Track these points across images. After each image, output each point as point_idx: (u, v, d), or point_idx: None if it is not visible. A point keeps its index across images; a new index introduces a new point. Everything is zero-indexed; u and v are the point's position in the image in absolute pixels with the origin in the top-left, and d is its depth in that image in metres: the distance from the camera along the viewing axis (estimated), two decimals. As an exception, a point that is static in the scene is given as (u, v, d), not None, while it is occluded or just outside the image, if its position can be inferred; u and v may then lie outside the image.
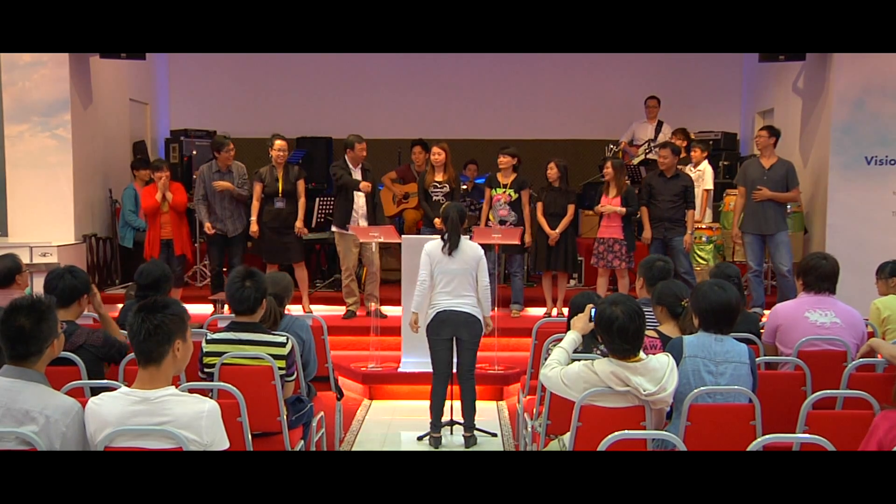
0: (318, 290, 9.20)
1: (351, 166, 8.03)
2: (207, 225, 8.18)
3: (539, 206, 8.27)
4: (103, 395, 2.91)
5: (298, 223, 8.04)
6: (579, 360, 3.68)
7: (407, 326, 7.03)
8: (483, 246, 5.96)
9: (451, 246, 5.72)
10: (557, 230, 8.15)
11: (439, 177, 8.22)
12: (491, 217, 8.19)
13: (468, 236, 6.20)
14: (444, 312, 5.67)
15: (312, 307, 8.46)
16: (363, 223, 7.93)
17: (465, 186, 9.18)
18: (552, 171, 8.19)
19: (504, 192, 8.13)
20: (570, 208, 8.21)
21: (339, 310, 8.46)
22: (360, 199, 8.00)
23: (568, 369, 3.61)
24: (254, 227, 8.07)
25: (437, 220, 7.78)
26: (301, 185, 8.11)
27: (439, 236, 5.84)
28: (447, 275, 5.71)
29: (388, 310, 8.12)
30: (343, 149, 8.09)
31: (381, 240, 7.35)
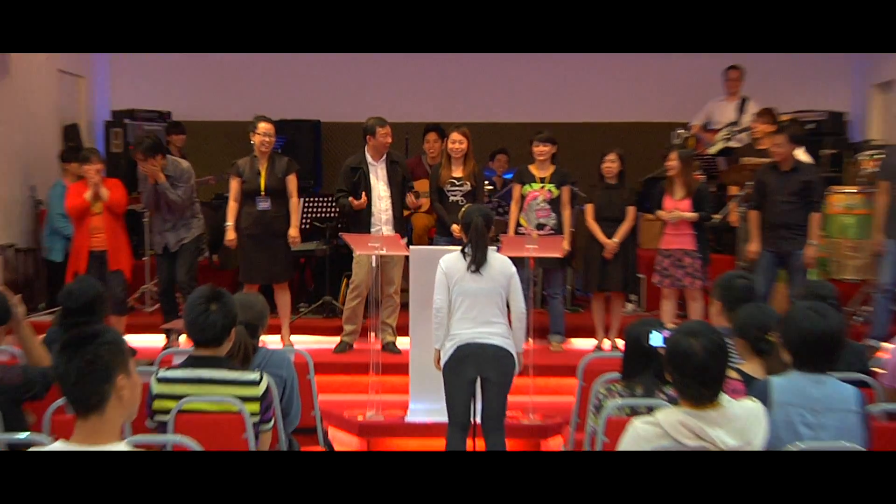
0: (301, 317, 9.27)
1: (370, 159, 8.14)
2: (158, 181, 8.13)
3: (588, 208, 8.32)
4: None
5: (292, 230, 8.17)
6: (637, 410, 3.66)
7: (416, 364, 7.10)
8: (514, 260, 6.00)
9: (478, 261, 5.76)
10: (616, 238, 8.15)
11: (458, 171, 8.24)
12: (523, 221, 8.26)
13: (496, 247, 6.26)
14: (466, 346, 5.68)
15: (295, 338, 8.55)
16: (387, 231, 8.05)
17: (490, 185, 9.30)
18: (612, 165, 8.23)
19: (541, 188, 8.22)
20: (630, 211, 8.24)
21: (329, 341, 8.50)
22: (381, 202, 8.14)
23: (621, 443, 3.54)
24: (230, 235, 8.17)
25: (454, 227, 7.86)
26: (292, 180, 8.23)
27: (459, 247, 5.90)
28: (470, 296, 5.74)
29: (399, 342, 8.24)
30: (363, 137, 8.18)
31: (384, 252, 7.36)
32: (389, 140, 8.15)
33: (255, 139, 8.15)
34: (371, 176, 8.15)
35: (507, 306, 5.86)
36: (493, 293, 5.75)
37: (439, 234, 8.41)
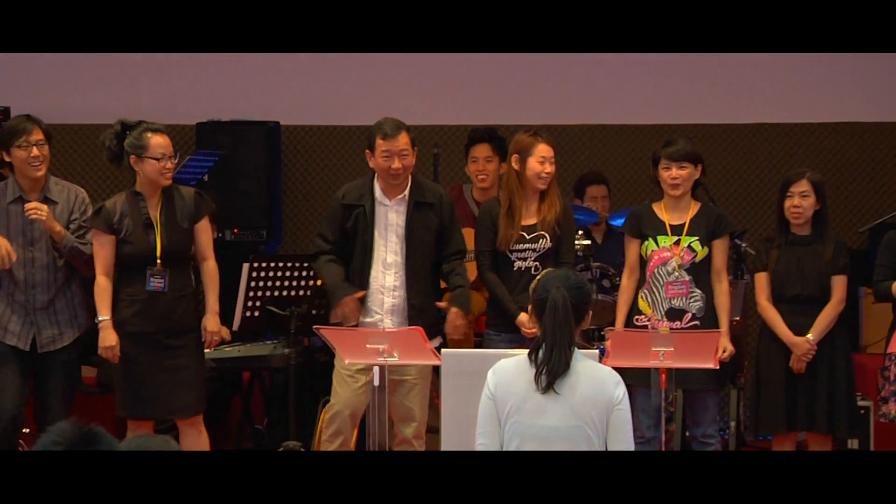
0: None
1: (379, 194, 8.20)
2: None
3: (760, 280, 8.38)
4: None
5: (209, 319, 8.24)
6: None
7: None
8: (632, 375, 6.54)
9: (553, 370, 5.71)
10: (812, 334, 8.16)
11: (531, 215, 8.30)
12: (644, 306, 8.29)
13: (597, 350, 6.81)
14: None
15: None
16: (391, 322, 8.10)
17: (585, 240, 9.39)
18: (804, 203, 8.24)
19: (676, 244, 8.24)
20: (839, 285, 8.26)
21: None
22: (388, 274, 8.22)
23: None
24: (110, 339, 8.12)
25: (522, 317, 7.96)
26: (204, 230, 8.35)
27: (524, 350, 5.94)
28: (532, 440, 5.78)
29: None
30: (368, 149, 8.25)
31: (394, 360, 7.30)
32: (397, 166, 8.03)
33: (147, 168, 8.09)
34: (376, 224, 8.14)
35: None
36: (574, 435, 5.74)
37: (493, 326, 8.48)
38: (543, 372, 5.67)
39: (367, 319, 8.10)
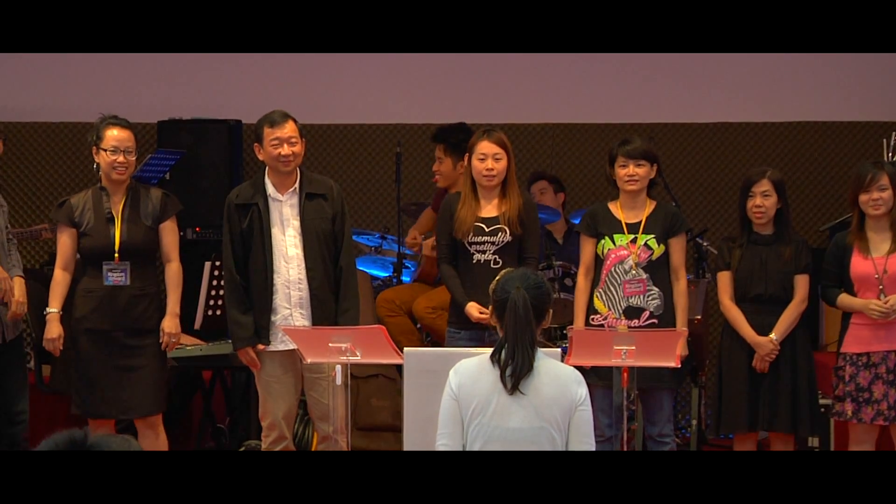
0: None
1: (271, 189, 8.13)
2: None
3: (723, 279, 8.34)
4: None
5: (168, 321, 8.16)
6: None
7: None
8: (584, 372, 6.10)
9: (517, 372, 5.73)
10: (775, 334, 8.11)
11: (490, 208, 8.24)
12: (599, 305, 8.25)
13: (559, 349, 6.66)
14: None
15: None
16: (300, 315, 8.06)
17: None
18: (766, 203, 8.21)
19: (631, 242, 8.22)
20: (801, 284, 8.20)
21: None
22: (290, 268, 8.14)
23: None
24: (53, 331, 8.13)
25: (470, 306, 8.00)
26: (170, 230, 8.29)
27: (485, 349, 6.06)
28: (499, 442, 5.78)
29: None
30: (254, 143, 8.19)
31: (358, 359, 7.25)
32: (286, 152, 7.95)
33: (101, 160, 8.09)
34: (272, 219, 8.12)
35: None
36: (538, 436, 5.76)
37: (453, 324, 8.37)
38: (508, 373, 5.69)
39: (276, 315, 8.07)
